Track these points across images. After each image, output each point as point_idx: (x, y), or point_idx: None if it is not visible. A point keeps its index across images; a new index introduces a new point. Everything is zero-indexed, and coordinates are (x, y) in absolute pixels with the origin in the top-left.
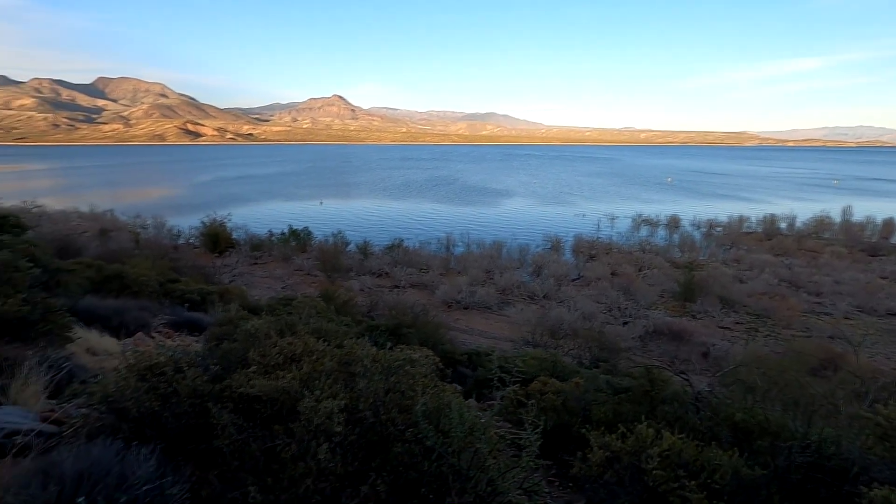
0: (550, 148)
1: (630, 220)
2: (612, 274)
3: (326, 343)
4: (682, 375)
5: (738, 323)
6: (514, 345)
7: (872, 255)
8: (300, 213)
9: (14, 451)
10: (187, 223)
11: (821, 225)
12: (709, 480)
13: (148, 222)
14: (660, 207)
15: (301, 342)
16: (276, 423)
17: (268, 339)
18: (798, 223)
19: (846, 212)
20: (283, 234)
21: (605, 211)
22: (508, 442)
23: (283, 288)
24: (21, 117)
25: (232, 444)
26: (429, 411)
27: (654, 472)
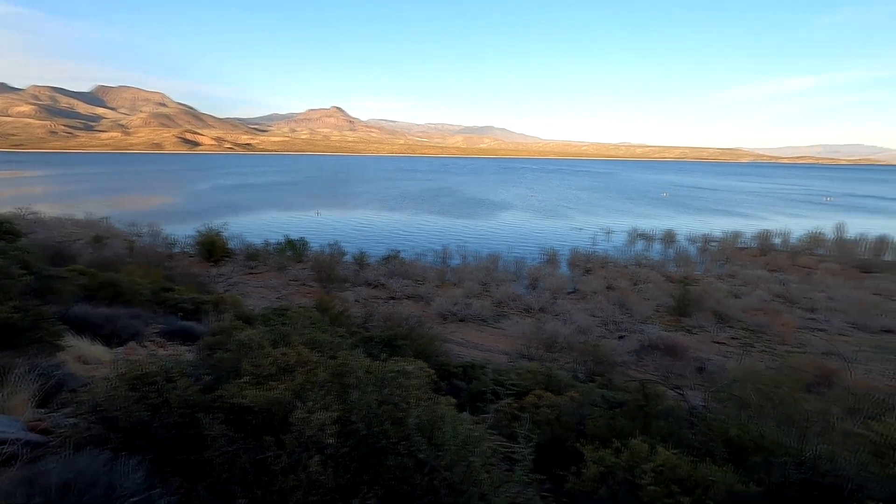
0: (548, 161)
1: (626, 234)
2: (608, 288)
3: (320, 354)
4: (677, 390)
5: (732, 338)
6: (510, 358)
7: (865, 272)
8: (297, 223)
9: (0, 460)
10: (183, 231)
11: (814, 241)
12: (703, 497)
13: (143, 230)
14: (655, 222)
15: (294, 353)
16: (267, 435)
17: (261, 350)
18: (792, 239)
19: (839, 228)
20: (279, 243)
21: (602, 225)
22: (502, 455)
23: (277, 298)
24: (18, 124)
25: (222, 456)
26: (422, 424)
27: (649, 487)
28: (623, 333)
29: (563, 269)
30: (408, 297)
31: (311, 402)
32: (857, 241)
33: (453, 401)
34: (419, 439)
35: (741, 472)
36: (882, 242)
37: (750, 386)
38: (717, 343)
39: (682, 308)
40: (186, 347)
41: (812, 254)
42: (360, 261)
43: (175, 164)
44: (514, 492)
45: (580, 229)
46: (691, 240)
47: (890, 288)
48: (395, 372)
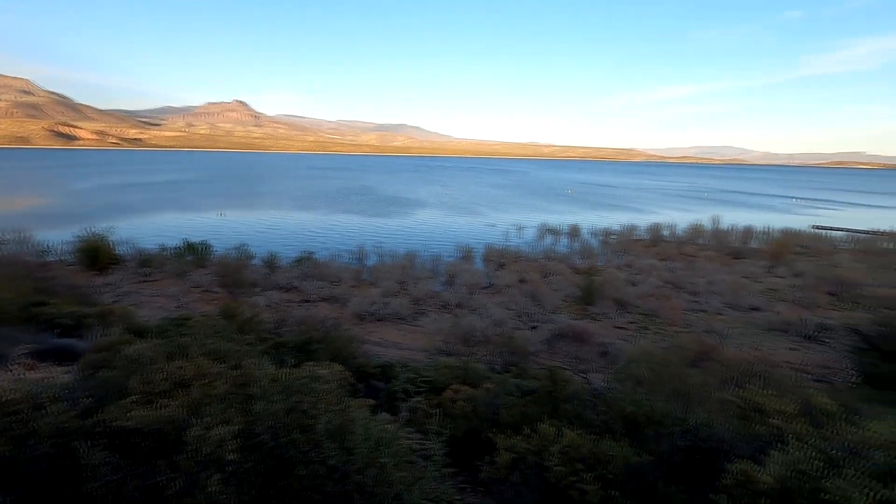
0: (462, 160)
1: (536, 229)
2: (521, 281)
3: (224, 365)
4: (581, 374)
5: (631, 322)
6: (429, 355)
7: (736, 258)
8: (198, 225)
9: None
10: (60, 237)
11: (696, 232)
12: (603, 471)
13: (7, 236)
14: (562, 217)
15: (193, 366)
16: (158, 458)
17: (154, 365)
18: (678, 231)
19: (715, 220)
20: (177, 248)
21: (514, 221)
22: (418, 453)
23: (177, 307)
24: None
25: (105, 486)
26: (333, 429)
27: (556, 468)
28: (535, 324)
29: (479, 264)
30: (323, 300)
31: (209, 418)
32: (730, 231)
33: (371, 402)
34: (329, 445)
35: (637, 444)
36: (748, 232)
37: (644, 365)
38: (618, 328)
39: (588, 297)
40: (64, 368)
41: (694, 243)
42: (271, 263)
43: (47, 160)
44: (428, 488)
45: (494, 225)
46: (594, 233)
47: (755, 271)
48: (305, 378)
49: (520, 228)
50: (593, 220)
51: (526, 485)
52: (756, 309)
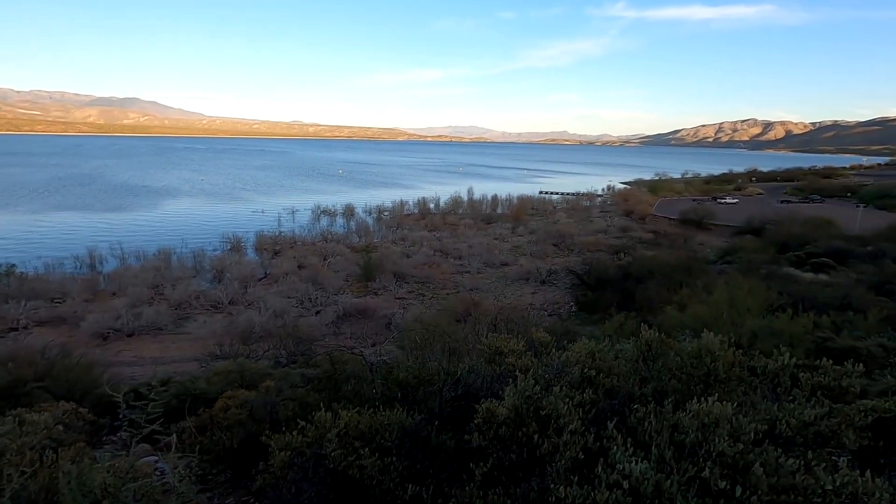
0: (216, 141)
1: (310, 211)
2: (300, 267)
3: None
4: (356, 351)
5: (410, 292)
6: (201, 363)
7: (488, 223)
8: None
9: None
10: None
11: (456, 204)
12: (381, 441)
13: None
14: (335, 198)
15: None
16: None
17: None
18: (441, 203)
19: (470, 192)
20: None
21: (285, 204)
22: (165, 486)
23: None
24: None
25: None
26: (30, 497)
27: (333, 453)
28: (319, 308)
29: (251, 254)
30: (40, 324)
31: None
32: (481, 200)
33: (125, 435)
34: None
35: (411, 406)
36: (496, 199)
37: (418, 329)
38: (399, 299)
39: (368, 274)
40: None
41: (455, 213)
42: None
43: None
44: None
45: (262, 211)
46: (368, 211)
47: (503, 233)
48: None
49: (292, 212)
50: (366, 198)
51: (306, 479)
52: (506, 264)
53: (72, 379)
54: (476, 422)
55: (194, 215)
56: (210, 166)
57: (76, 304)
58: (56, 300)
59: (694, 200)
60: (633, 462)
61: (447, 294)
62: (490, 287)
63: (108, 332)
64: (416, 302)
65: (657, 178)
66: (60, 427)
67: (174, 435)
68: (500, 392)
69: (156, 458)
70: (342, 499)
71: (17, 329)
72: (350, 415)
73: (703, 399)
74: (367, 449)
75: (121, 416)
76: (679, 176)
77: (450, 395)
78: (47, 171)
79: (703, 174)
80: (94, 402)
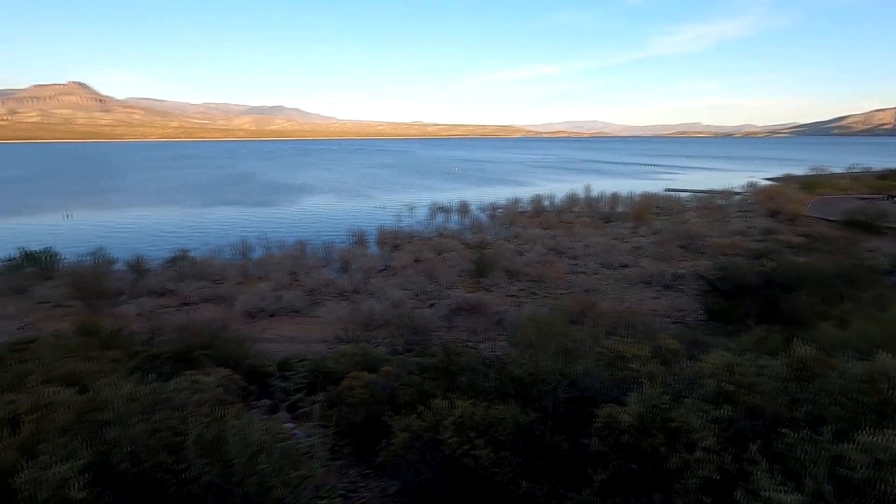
0: (346, 142)
1: (427, 208)
2: (416, 261)
3: (79, 390)
4: (469, 344)
5: (521, 290)
6: (328, 345)
7: (607, 222)
8: (39, 230)
9: None
10: None
11: (572, 201)
12: (495, 434)
13: None
14: (451, 195)
15: (30, 397)
16: None
17: None
18: (557, 201)
19: (587, 189)
20: (10, 259)
21: (404, 201)
22: (304, 451)
23: (20, 328)
24: None
25: None
26: (206, 443)
27: (449, 440)
28: (433, 301)
29: (373, 248)
30: (205, 301)
31: (47, 456)
32: (600, 198)
33: (268, 402)
34: (199, 463)
35: (525, 404)
36: (615, 197)
37: (531, 328)
38: (510, 296)
39: (480, 270)
40: None
41: (571, 211)
42: (138, 267)
43: None
44: (315, 486)
45: (384, 207)
46: (482, 208)
47: (623, 232)
48: (167, 394)
49: (411, 208)
50: (480, 195)
51: (424, 461)
52: (625, 266)
53: (228, 350)
54: (596, 426)
55: (325, 210)
56: (340, 166)
57: (231, 286)
58: (216, 281)
59: (862, 199)
60: (782, 492)
61: (560, 294)
62: (607, 289)
63: (256, 312)
64: (528, 300)
65: (813, 172)
66: (220, 389)
67: (315, 406)
68: (621, 398)
69: (293, 425)
70: (457, 485)
71: (188, 304)
72: (465, 405)
73: (877, 431)
74: (481, 440)
75: (270, 384)
76: (843, 170)
77: (564, 395)
78: (210, 173)
79: (877, 168)
80: (244, 371)
